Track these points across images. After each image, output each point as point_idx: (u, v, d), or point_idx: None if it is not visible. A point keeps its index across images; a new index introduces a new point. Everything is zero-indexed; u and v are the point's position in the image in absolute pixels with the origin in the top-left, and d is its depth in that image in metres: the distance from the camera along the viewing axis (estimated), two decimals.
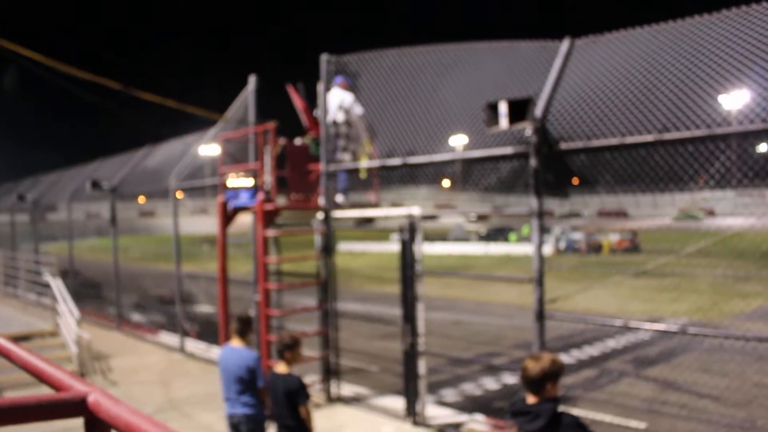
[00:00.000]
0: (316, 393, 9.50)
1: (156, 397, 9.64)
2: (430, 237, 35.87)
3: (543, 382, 3.77)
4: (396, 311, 8.72)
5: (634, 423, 8.59)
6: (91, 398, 1.46)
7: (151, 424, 1.31)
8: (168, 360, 12.09)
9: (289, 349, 5.74)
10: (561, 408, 3.80)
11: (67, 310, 11.59)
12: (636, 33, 6.82)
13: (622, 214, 52.45)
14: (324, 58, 9.70)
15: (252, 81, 10.81)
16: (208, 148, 12.46)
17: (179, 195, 12.93)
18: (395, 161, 8.76)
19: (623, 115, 6.48)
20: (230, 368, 5.94)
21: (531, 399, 3.80)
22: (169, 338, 13.47)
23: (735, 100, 6.12)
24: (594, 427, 4.10)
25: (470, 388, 10.18)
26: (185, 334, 12.63)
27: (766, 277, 21.55)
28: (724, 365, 10.67)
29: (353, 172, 9.77)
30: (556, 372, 3.83)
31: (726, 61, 6.10)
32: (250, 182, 9.95)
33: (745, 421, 8.54)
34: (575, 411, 4.84)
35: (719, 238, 27.95)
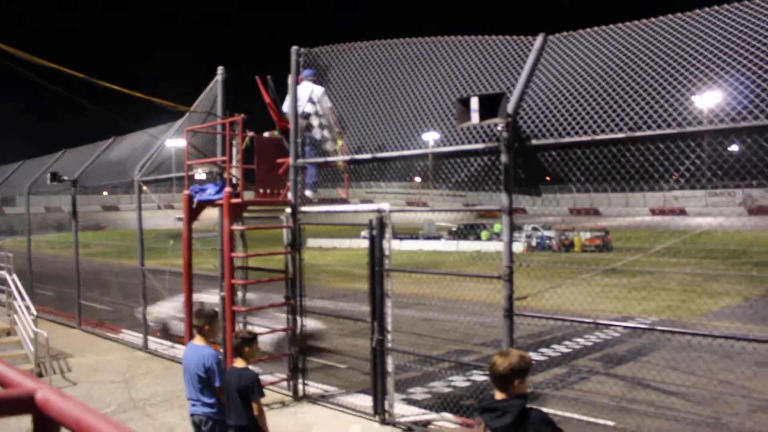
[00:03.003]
0: (282, 391, 9.33)
1: (117, 397, 9.38)
2: (401, 234, 35.83)
3: (511, 378, 3.74)
4: (365, 308, 8.58)
5: (602, 421, 8.56)
6: (40, 395, 1.41)
7: (103, 421, 1.27)
8: (130, 358, 11.80)
9: (247, 344, 5.60)
10: (529, 405, 3.76)
11: (24, 308, 11.24)
12: (609, 30, 6.78)
13: (594, 212, 53.03)
14: (294, 50, 9.51)
15: (220, 72, 10.58)
16: (174, 141, 12.18)
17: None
18: (365, 156, 8.61)
19: (595, 112, 6.43)
20: (191, 366, 5.78)
21: (499, 395, 3.79)
22: (132, 336, 13.16)
23: (706, 98, 6.10)
24: (563, 424, 4.03)
25: (439, 386, 10.08)
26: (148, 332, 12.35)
27: (735, 276, 21.82)
28: (692, 363, 10.72)
29: (322, 167, 9.60)
30: (524, 369, 3.80)
31: (698, 60, 6.07)
32: (217, 175, 9.74)
33: (711, 419, 8.56)
34: (544, 408, 4.76)
35: (688, 236, 28.30)
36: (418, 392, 9.72)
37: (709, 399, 9.29)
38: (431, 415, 8.11)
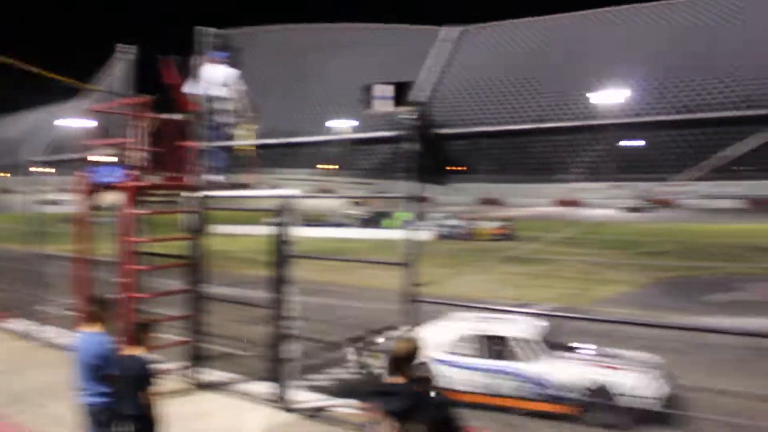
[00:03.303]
0: (182, 379, 9.10)
1: (6, 388, 8.88)
2: (310, 221, 35.62)
3: (409, 362, 3.79)
4: (269, 294, 8.48)
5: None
6: None
7: None
8: (20, 348, 11.20)
9: (142, 331, 5.44)
10: (426, 388, 3.82)
11: None
12: (524, 23, 6.90)
13: (500, 202, 54.42)
14: (200, 30, 9.23)
15: (123, 49, 10.15)
16: (75, 120, 11.62)
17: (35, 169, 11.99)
18: (276, 140, 8.50)
19: (507, 102, 6.56)
20: (84, 355, 5.56)
21: (397, 379, 3.81)
22: (21, 325, 12.47)
23: (610, 94, 6.34)
24: (460, 407, 4.12)
25: (341, 372, 10.12)
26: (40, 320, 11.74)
27: (629, 264, 22.95)
28: None
29: (232, 151, 9.40)
30: (420, 354, 3.86)
31: (605, 56, 6.29)
32: (118, 158, 9.36)
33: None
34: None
35: (588, 226, 29.49)
36: (321, 379, 9.73)
37: None
38: (332, 401, 8.13)
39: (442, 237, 35.57)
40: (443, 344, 8.92)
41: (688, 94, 5.81)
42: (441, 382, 8.32)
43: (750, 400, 8.56)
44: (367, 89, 6.56)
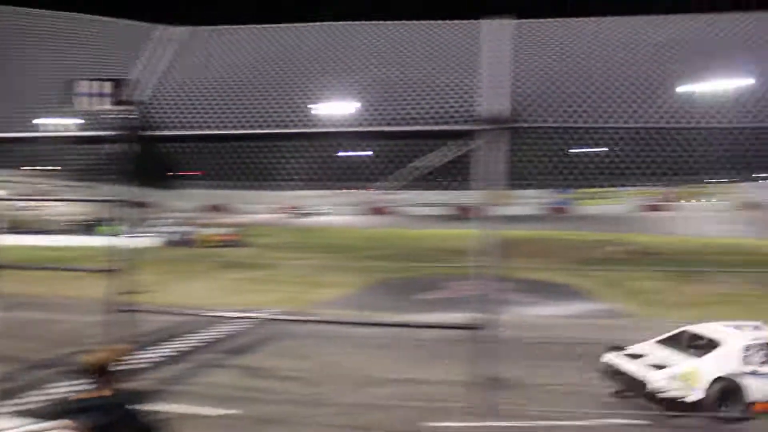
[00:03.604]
0: None
1: None
2: (14, 227, 32.03)
3: (111, 374, 3.67)
4: None
5: (225, 410, 8.82)
6: None
7: None
8: None
9: None
10: (135, 401, 3.73)
11: None
12: (255, 30, 7.00)
13: (228, 209, 54.03)
14: None
15: None
16: None
17: None
18: None
19: (236, 106, 6.61)
20: None
21: (100, 392, 3.71)
22: None
23: (335, 105, 6.69)
24: (182, 420, 4.07)
25: (53, 392, 9.33)
26: None
27: (351, 267, 24.28)
28: (307, 349, 11.71)
29: None
30: (123, 364, 3.77)
31: (333, 69, 6.63)
32: None
33: (320, 396, 9.44)
34: (163, 405, 4.72)
35: (311, 231, 30.57)
36: (25, 402, 8.86)
37: (319, 380, 10.22)
38: (45, 424, 7.45)
39: (170, 243, 34.36)
40: (737, 358, 8.65)
41: (403, 108, 6.38)
42: (753, 396, 8.42)
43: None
44: (70, 84, 6.17)
